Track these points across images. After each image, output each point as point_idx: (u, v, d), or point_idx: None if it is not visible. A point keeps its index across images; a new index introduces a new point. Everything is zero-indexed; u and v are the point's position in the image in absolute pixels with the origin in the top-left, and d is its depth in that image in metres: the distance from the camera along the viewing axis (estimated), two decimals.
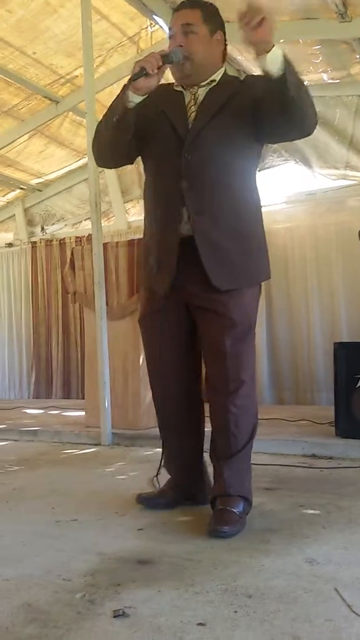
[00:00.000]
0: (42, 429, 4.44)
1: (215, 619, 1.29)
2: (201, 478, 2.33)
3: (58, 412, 5.72)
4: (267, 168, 6.78)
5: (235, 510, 1.97)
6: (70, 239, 7.56)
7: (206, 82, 2.11)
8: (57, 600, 1.42)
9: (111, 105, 2.15)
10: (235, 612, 1.32)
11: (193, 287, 2.08)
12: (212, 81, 2.12)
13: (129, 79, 2.01)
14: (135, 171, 7.75)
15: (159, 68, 1.97)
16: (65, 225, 7.95)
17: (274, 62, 1.77)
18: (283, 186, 6.51)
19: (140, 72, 1.97)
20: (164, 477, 2.37)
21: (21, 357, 8.42)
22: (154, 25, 5.17)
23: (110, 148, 2.23)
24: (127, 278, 4.30)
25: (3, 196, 8.31)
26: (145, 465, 3.15)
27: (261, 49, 1.77)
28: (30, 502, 2.45)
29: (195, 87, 2.12)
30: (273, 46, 1.76)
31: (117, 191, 7.68)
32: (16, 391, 8.40)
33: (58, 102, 6.40)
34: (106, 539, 1.92)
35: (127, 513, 2.22)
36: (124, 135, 2.12)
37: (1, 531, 2.02)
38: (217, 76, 2.13)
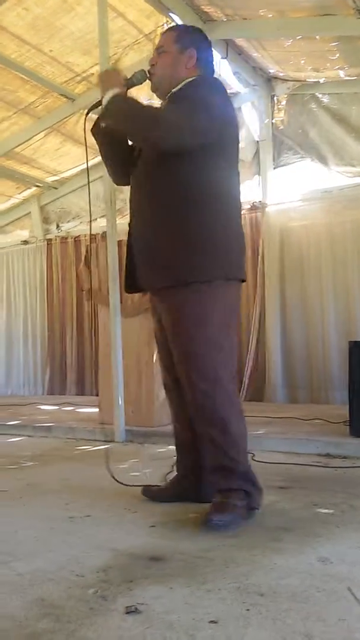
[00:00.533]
0: (56, 425, 4.47)
1: (228, 616, 1.29)
2: (201, 475, 2.28)
3: (72, 408, 5.75)
4: (283, 165, 6.75)
5: (229, 501, 2.02)
6: (85, 236, 7.58)
7: (170, 94, 2.25)
8: (70, 595, 1.42)
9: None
10: (248, 610, 1.32)
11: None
12: (172, 93, 2.25)
13: (90, 107, 2.31)
14: None
15: None
16: (81, 222, 7.98)
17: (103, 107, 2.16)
18: (299, 184, 6.48)
19: (99, 102, 2.24)
20: None
21: (35, 353, 8.47)
22: (170, 23, 5.16)
23: (113, 171, 2.46)
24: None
25: (19, 194, 8.36)
26: (158, 463, 3.16)
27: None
28: (44, 498, 2.46)
29: (165, 98, 2.29)
30: (106, 95, 2.14)
31: None
32: (31, 387, 8.46)
33: (74, 100, 6.42)
34: (119, 535, 1.92)
35: (139, 510, 2.23)
36: (115, 155, 2.39)
37: (15, 526, 2.04)
38: (178, 88, 2.24)
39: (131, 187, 2.32)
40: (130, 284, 2.29)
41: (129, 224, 2.31)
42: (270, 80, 6.65)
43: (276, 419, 4.52)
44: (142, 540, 1.87)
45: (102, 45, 4.22)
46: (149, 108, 2.28)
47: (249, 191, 7.01)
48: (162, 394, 4.23)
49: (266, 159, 6.81)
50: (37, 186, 8.04)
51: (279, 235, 6.49)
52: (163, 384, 2.43)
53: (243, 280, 2.26)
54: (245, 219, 6.83)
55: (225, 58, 5.84)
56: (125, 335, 4.07)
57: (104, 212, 4.33)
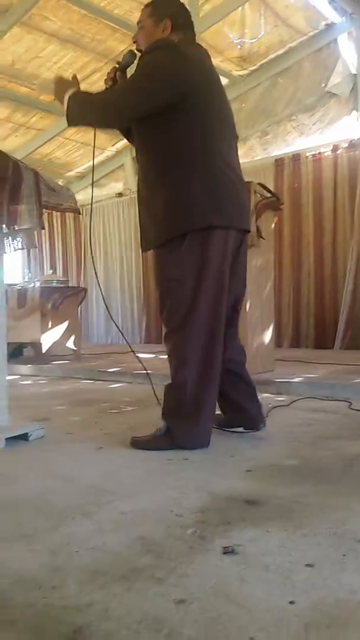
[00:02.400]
0: (153, 373, 4.58)
1: (323, 561, 1.30)
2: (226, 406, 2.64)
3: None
4: None
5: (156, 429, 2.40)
6: None
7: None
8: (169, 534, 1.49)
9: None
10: (344, 555, 1.33)
11: None
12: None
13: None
14: (241, 111, 7.54)
15: (114, 77, 2.44)
16: None
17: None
18: None
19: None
20: None
21: (132, 303, 8.68)
22: None
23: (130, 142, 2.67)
24: (246, 211, 4.24)
25: (112, 145, 8.42)
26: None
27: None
28: None
29: None
30: (64, 99, 2.40)
31: None
32: (129, 336, 8.72)
33: None
34: (216, 478, 1.97)
35: (236, 455, 2.27)
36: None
37: (118, 467, 2.14)
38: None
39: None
40: (142, 244, 2.52)
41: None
42: None
43: None
44: (238, 483, 1.91)
45: None
46: (95, 97, 2.40)
47: (346, 128, 6.67)
48: (255, 342, 4.23)
49: None
50: None
51: None
52: None
53: (224, 228, 2.33)
54: (342, 157, 6.53)
55: None
56: None
57: None
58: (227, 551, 1.36)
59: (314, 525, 1.51)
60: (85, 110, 2.38)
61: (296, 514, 1.60)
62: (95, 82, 6.89)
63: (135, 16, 5.90)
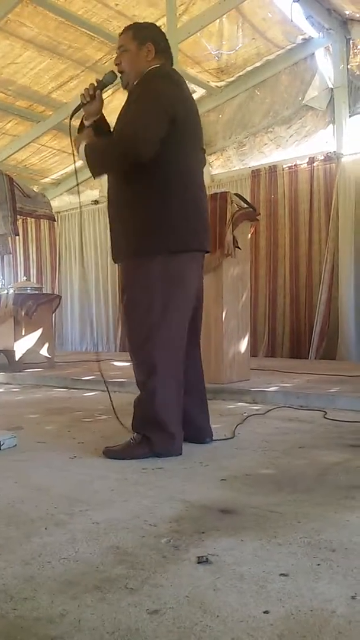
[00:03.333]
0: (128, 381, 4.55)
1: (298, 570, 1.30)
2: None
3: None
4: (359, 113, 6.45)
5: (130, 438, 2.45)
6: None
7: (135, 85, 2.48)
8: (143, 544, 1.47)
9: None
10: (318, 565, 1.32)
11: None
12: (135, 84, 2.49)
13: (72, 112, 2.59)
14: (218, 122, 7.60)
15: (92, 94, 2.50)
16: None
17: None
18: None
19: (79, 106, 2.55)
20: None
21: (108, 311, 8.64)
22: None
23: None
24: (210, 233, 4.25)
25: None
26: (227, 418, 3.19)
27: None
28: None
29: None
30: (79, 152, 2.46)
31: None
32: (104, 344, 8.67)
33: None
34: (190, 487, 1.96)
35: (210, 463, 2.26)
36: None
37: (91, 477, 2.12)
38: (136, 82, 2.48)
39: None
40: (115, 256, 2.59)
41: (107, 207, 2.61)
42: (345, 23, 6.30)
43: (349, 378, 4.44)
44: (213, 492, 1.90)
45: None
46: (108, 143, 2.49)
47: (322, 141, 6.76)
48: (231, 350, 4.25)
49: (341, 106, 6.52)
50: None
51: (354, 186, 6.24)
52: None
53: (198, 251, 2.51)
54: (318, 170, 6.61)
55: (297, 1, 5.57)
56: None
57: None
58: (202, 561, 1.35)
59: (288, 535, 1.51)
60: (102, 156, 2.46)
61: (271, 523, 1.60)
62: (71, 90, 6.88)
63: (112, 25, 5.93)
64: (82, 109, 2.55)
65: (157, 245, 2.38)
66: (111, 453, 2.42)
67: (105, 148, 2.46)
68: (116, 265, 2.65)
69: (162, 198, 2.37)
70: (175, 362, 2.42)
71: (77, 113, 2.57)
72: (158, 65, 2.47)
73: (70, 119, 2.55)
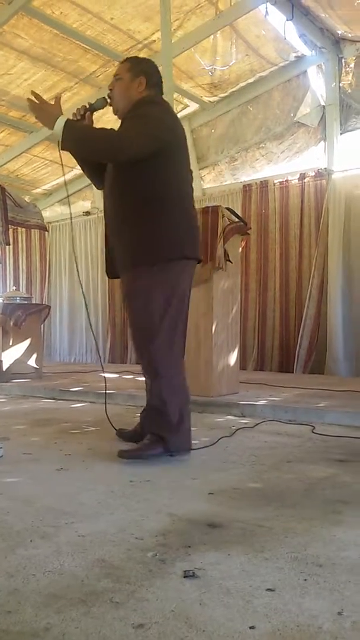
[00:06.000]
0: (117, 393, 4.55)
1: (285, 585, 1.29)
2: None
3: (132, 376, 5.84)
4: (350, 131, 6.53)
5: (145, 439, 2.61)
6: None
7: (126, 114, 2.64)
8: (129, 557, 1.46)
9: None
10: (305, 580, 1.32)
11: None
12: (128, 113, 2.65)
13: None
14: (211, 136, 7.66)
15: (83, 115, 2.68)
16: None
17: (57, 135, 2.47)
18: None
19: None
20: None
21: (97, 323, 8.61)
22: None
23: (90, 176, 2.93)
24: (201, 246, 4.26)
25: None
26: (216, 431, 3.18)
27: (48, 128, 2.51)
28: (105, 462, 2.53)
29: (123, 118, 2.68)
30: (55, 124, 2.45)
31: (193, 157, 7.61)
32: (93, 355, 8.63)
33: None
34: (177, 500, 1.95)
35: (198, 477, 2.25)
36: (89, 164, 2.87)
37: (77, 489, 2.10)
38: (132, 108, 2.63)
39: (104, 190, 2.78)
40: (110, 271, 2.79)
41: (105, 223, 2.79)
42: (338, 42, 6.39)
43: (337, 392, 4.45)
44: (200, 506, 1.89)
45: (163, 11, 4.16)
46: (101, 130, 2.58)
47: (314, 158, 6.82)
48: (220, 363, 4.25)
49: (332, 124, 6.58)
50: None
51: (344, 203, 6.30)
52: None
53: (192, 259, 2.66)
54: (309, 186, 6.66)
55: (291, 20, 5.64)
56: None
57: None
58: (188, 575, 1.34)
59: (275, 550, 1.50)
60: (86, 137, 2.54)
61: (258, 538, 1.59)
62: (65, 101, 6.90)
63: (107, 38, 5.98)
64: None
65: (154, 255, 2.55)
66: (127, 453, 2.56)
67: (92, 133, 2.58)
68: (107, 278, 2.74)
69: (158, 214, 2.55)
70: (177, 363, 2.63)
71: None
72: (151, 94, 2.69)
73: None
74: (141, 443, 2.62)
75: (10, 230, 6.86)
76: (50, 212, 9.20)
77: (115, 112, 2.73)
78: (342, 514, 1.81)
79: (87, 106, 2.70)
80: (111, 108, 2.73)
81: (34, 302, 6.98)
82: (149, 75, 2.73)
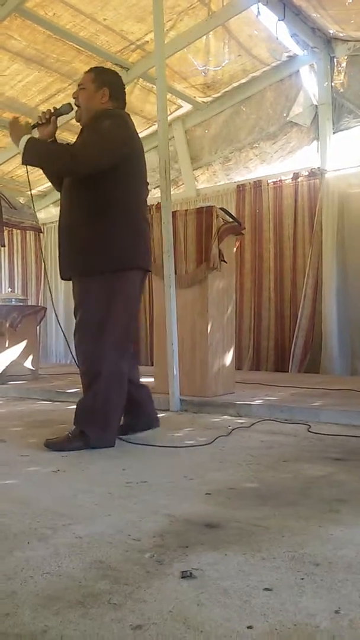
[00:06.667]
0: None
1: (282, 585, 1.30)
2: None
3: None
4: (343, 130, 6.54)
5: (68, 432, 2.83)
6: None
7: (85, 124, 2.80)
8: (127, 558, 1.46)
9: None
10: (302, 579, 1.32)
11: None
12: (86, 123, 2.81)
13: (30, 128, 2.83)
14: (204, 137, 7.66)
15: (49, 118, 2.81)
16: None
17: (21, 151, 2.71)
18: (359, 148, 6.27)
19: (35, 124, 2.82)
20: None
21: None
22: None
23: (51, 181, 3.12)
24: (195, 246, 4.28)
25: None
26: (212, 432, 3.18)
27: (16, 145, 2.75)
28: (102, 464, 2.53)
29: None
30: (20, 141, 2.70)
31: (187, 158, 7.62)
32: None
33: (129, 69, 6.37)
34: (175, 501, 1.95)
35: (195, 477, 2.26)
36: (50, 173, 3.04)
37: (75, 490, 2.10)
38: (90, 119, 2.78)
39: (61, 195, 2.93)
40: (61, 271, 2.91)
41: (58, 224, 2.90)
42: (329, 42, 6.40)
43: (333, 391, 4.46)
44: (197, 507, 1.89)
45: (156, 12, 4.15)
46: (59, 146, 2.79)
47: (307, 157, 6.83)
48: (216, 364, 4.25)
49: (325, 123, 6.60)
50: None
51: (338, 202, 6.31)
52: None
53: (141, 269, 2.84)
54: (302, 185, 6.68)
55: (282, 20, 5.65)
56: (180, 306, 4.08)
57: (158, 182, 4.29)
58: (186, 575, 1.35)
59: (272, 549, 1.51)
60: (44, 154, 2.73)
61: (255, 538, 1.59)
62: (59, 102, 6.87)
63: (100, 39, 5.97)
64: (36, 128, 2.84)
65: (101, 265, 2.71)
66: (51, 445, 2.77)
67: (51, 150, 2.75)
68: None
69: (105, 224, 2.70)
70: (119, 369, 2.76)
71: (32, 131, 2.83)
72: (110, 108, 2.80)
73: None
74: (65, 435, 2.81)
75: (5, 232, 6.86)
76: (45, 214, 9.19)
77: (78, 120, 2.85)
78: (338, 512, 1.81)
79: (53, 110, 2.81)
80: (75, 114, 2.86)
81: (29, 303, 6.98)
82: (113, 86, 2.83)
